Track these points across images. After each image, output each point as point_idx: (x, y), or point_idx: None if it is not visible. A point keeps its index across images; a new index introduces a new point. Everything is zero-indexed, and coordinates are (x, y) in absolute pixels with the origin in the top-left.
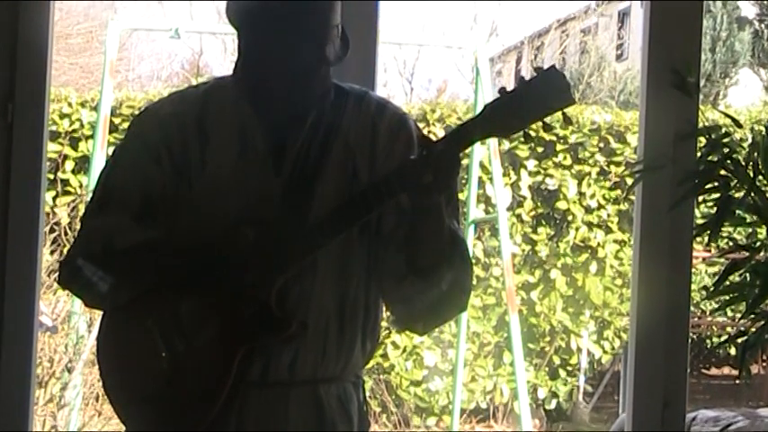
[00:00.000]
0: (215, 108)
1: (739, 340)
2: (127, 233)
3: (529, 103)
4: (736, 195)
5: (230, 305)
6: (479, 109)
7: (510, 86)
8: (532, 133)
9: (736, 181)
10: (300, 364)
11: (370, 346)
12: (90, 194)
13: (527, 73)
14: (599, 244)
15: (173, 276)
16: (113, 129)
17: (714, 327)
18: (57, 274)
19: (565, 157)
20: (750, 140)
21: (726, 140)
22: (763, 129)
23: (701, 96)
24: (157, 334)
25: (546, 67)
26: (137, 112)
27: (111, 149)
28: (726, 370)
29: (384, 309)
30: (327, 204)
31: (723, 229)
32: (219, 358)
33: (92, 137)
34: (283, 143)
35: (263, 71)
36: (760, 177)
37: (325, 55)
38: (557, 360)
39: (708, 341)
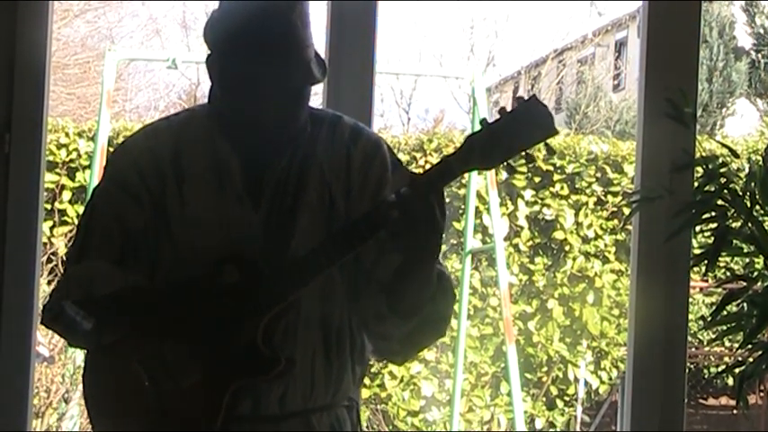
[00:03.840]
0: (189, 144)
1: (737, 370)
2: (107, 279)
3: (510, 135)
4: (734, 225)
5: (217, 344)
6: None
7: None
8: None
9: (733, 211)
10: (290, 397)
11: (360, 371)
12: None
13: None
14: (596, 274)
15: (156, 319)
16: None
17: (711, 357)
18: (40, 316)
19: (562, 187)
20: (747, 170)
21: (723, 170)
22: (760, 159)
23: (697, 126)
24: (143, 374)
25: (527, 97)
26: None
27: None
28: (723, 400)
29: None
30: (308, 236)
31: (720, 259)
32: (208, 397)
33: (89, 167)
34: (260, 176)
35: (252, 99)
36: (757, 207)
37: (313, 74)
38: (554, 390)
39: (705, 371)
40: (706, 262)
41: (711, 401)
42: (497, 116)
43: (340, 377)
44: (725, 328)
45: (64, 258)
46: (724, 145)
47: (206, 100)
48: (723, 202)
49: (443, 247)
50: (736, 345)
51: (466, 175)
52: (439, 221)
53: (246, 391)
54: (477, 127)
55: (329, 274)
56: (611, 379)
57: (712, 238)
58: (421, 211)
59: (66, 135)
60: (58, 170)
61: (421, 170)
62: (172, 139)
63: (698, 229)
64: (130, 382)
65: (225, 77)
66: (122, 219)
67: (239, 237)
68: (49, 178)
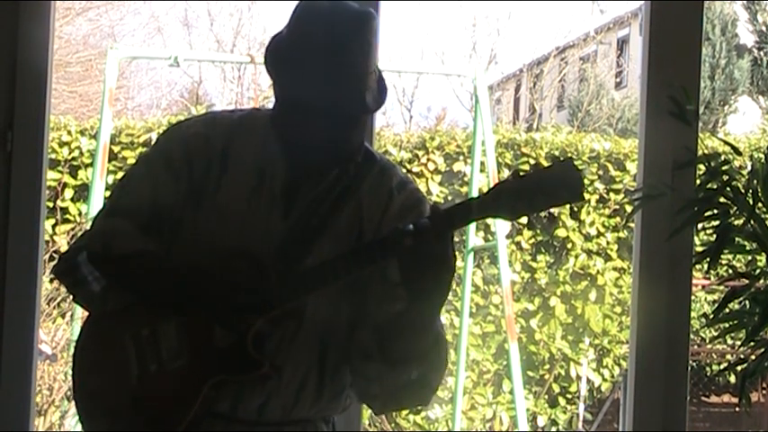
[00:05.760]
0: (243, 139)
1: (739, 368)
2: (129, 239)
3: (539, 192)
4: (736, 223)
5: (208, 335)
6: (478, 136)
7: (509, 115)
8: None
9: (735, 208)
10: (270, 407)
11: (349, 402)
12: (108, 195)
13: (527, 106)
14: (598, 271)
15: (160, 292)
16: (112, 157)
17: (714, 354)
18: (54, 263)
19: None
20: (749, 168)
21: (725, 168)
22: (762, 156)
23: (699, 124)
24: (132, 351)
25: (563, 158)
26: (136, 141)
27: (110, 178)
28: (726, 398)
29: None
30: (325, 257)
31: (723, 256)
32: (187, 386)
33: (91, 165)
34: (299, 189)
35: (304, 119)
36: (759, 205)
37: (366, 104)
38: (556, 388)
39: (707, 369)
40: (708, 259)
41: (714, 399)
42: (529, 170)
43: (329, 401)
44: (727, 325)
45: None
46: (726, 142)
47: (208, 98)
48: (725, 200)
49: None
50: (739, 342)
51: (468, 172)
52: (450, 260)
53: (228, 390)
54: (480, 126)
55: (339, 303)
56: (613, 377)
57: (714, 236)
58: (434, 246)
59: (69, 133)
60: (60, 168)
61: (423, 168)
62: (227, 130)
63: (700, 226)
64: (119, 357)
65: (282, 91)
66: (157, 191)
67: (258, 238)
68: (50, 176)
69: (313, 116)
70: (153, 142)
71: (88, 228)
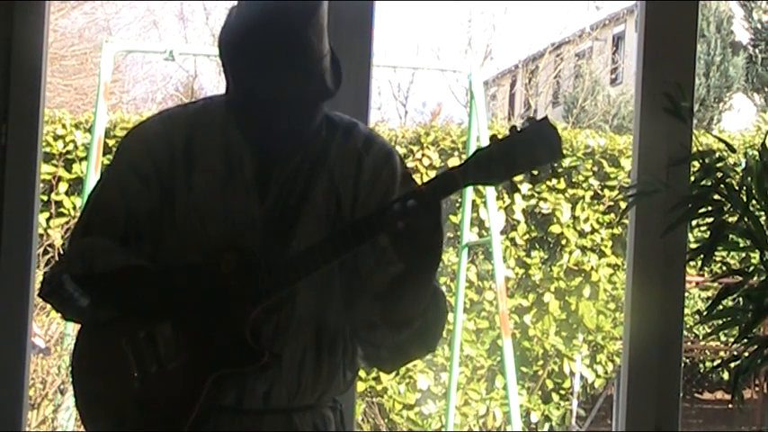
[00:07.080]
0: (203, 131)
1: (732, 365)
2: (110, 255)
3: (518, 154)
4: (730, 220)
5: (205, 331)
6: (473, 131)
7: (504, 111)
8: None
9: (729, 206)
10: (275, 393)
11: (351, 376)
12: (79, 214)
13: (522, 102)
14: (592, 268)
15: (151, 300)
16: (107, 150)
17: (707, 351)
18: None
19: (558, 181)
20: (743, 165)
21: (719, 165)
22: (756, 153)
23: (694, 121)
24: (131, 354)
25: (539, 117)
26: None
27: None
28: (719, 394)
29: None
30: (309, 235)
31: (716, 253)
32: (190, 383)
33: (86, 158)
34: (270, 171)
35: (264, 108)
36: (753, 202)
37: (328, 88)
38: (550, 384)
39: (701, 365)
40: (702, 256)
41: (707, 396)
42: (507, 134)
43: (329, 380)
44: (721, 322)
45: (61, 249)
46: (721, 140)
47: (203, 92)
48: (719, 197)
49: None
50: (732, 339)
51: None
52: (441, 234)
53: (231, 382)
54: (475, 122)
55: (329, 277)
56: (606, 373)
57: (708, 233)
58: (425, 223)
59: (63, 126)
60: (54, 162)
61: (417, 163)
62: (186, 125)
63: (694, 223)
64: (118, 362)
65: (238, 81)
66: (129, 200)
67: (240, 228)
68: (45, 170)
69: (275, 106)
70: (115, 151)
71: (66, 248)
